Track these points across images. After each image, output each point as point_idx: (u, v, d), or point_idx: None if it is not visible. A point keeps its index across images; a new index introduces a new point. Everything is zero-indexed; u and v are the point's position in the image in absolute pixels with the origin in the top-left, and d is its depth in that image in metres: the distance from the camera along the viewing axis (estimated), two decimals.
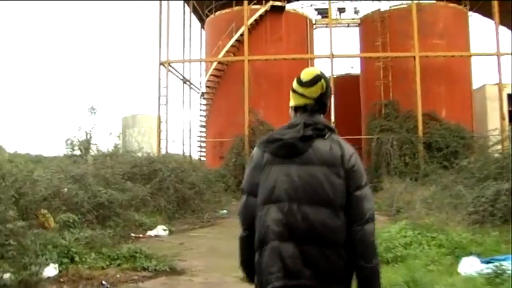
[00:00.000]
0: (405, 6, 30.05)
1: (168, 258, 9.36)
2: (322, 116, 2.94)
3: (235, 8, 31.30)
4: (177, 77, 32.59)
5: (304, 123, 2.79)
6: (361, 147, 28.95)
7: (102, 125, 34.69)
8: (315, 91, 2.89)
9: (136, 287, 7.75)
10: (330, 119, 26.55)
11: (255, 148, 2.96)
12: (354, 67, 37.45)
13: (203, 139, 34.33)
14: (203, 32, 36.54)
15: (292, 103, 2.98)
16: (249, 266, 2.85)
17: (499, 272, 6.64)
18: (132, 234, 12.62)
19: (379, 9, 31.87)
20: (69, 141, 24.88)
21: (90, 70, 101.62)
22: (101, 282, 7.60)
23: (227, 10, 32.09)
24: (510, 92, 30.29)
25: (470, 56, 29.85)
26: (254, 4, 30.52)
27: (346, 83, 34.89)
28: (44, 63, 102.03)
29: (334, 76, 29.37)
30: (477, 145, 24.85)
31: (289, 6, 32.79)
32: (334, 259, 2.62)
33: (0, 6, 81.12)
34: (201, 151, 34.89)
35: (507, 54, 27.00)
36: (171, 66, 30.63)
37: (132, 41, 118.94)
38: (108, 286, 7.48)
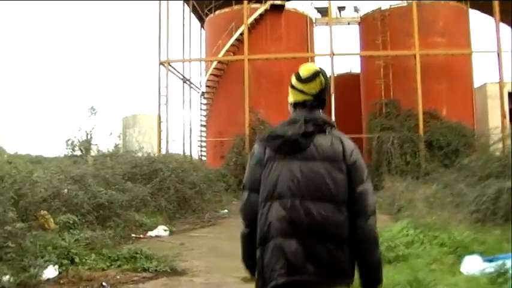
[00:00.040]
0: (405, 4, 30.01)
1: (168, 259, 9.32)
2: (321, 111, 2.95)
3: (235, 7, 31.24)
4: (177, 76, 32.54)
5: (304, 119, 2.79)
6: (362, 146, 28.88)
7: (102, 125, 34.68)
8: (314, 87, 2.90)
9: None
10: (330, 118, 26.42)
11: (256, 144, 2.97)
12: (353, 67, 37.51)
13: (203, 139, 34.29)
14: (203, 31, 36.49)
15: (291, 99, 2.99)
16: (252, 261, 2.85)
17: (502, 271, 6.60)
18: (133, 235, 12.57)
19: (379, 8, 31.78)
20: (69, 142, 24.90)
21: (90, 70, 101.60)
22: (101, 283, 7.55)
23: (227, 9, 32.03)
24: (511, 90, 30.22)
25: (471, 53, 29.76)
26: (254, 3, 30.47)
27: (347, 81, 34.81)
28: (44, 64, 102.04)
29: (335, 75, 29.28)
30: (478, 143, 24.77)
31: (289, 5, 32.73)
32: (338, 254, 2.64)
33: (0, 6, 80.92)
34: (201, 151, 34.85)
35: (508, 51, 26.96)
36: (171, 65, 30.59)
37: (132, 41, 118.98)
38: (108, 287, 7.42)
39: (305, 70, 2.95)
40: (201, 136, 34.62)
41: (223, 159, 28.56)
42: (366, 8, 34.08)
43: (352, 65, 38.21)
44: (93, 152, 24.17)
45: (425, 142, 26.58)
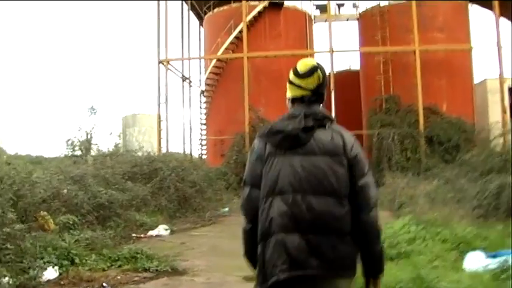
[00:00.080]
0: (404, 0, 29.91)
1: (169, 259, 9.30)
2: (320, 106, 2.97)
3: (234, 5, 31.14)
4: (177, 75, 32.49)
5: (304, 114, 2.80)
6: (362, 143, 28.78)
7: (102, 125, 34.63)
8: (311, 82, 2.92)
9: None
10: (330, 113, 26.36)
11: (256, 140, 2.98)
12: (352, 64, 37.42)
13: (204, 137, 34.23)
14: (202, 29, 36.41)
15: (289, 94, 3.01)
16: (254, 257, 2.85)
17: (505, 268, 6.55)
18: (133, 235, 12.54)
19: (378, 4, 31.69)
20: (69, 142, 24.86)
21: (90, 70, 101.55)
22: (102, 284, 7.51)
23: (225, 7, 31.92)
24: (511, 86, 30.13)
25: (471, 49, 29.65)
26: (252, 0, 30.37)
27: (346, 78, 34.66)
28: (44, 64, 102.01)
29: (334, 72, 29.19)
30: (479, 139, 24.71)
31: (287, 3, 32.60)
32: (341, 247, 2.66)
33: (0, 6, 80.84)
34: (201, 149, 34.81)
35: (508, 46, 26.91)
36: (170, 64, 30.52)
37: (130, 40, 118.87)
38: None
39: (303, 65, 2.96)
40: (201, 135, 34.58)
41: (223, 158, 28.48)
42: (364, 4, 34.05)
43: (351, 61, 38.22)
44: (94, 152, 24.12)
45: (426, 138, 26.46)
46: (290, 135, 2.77)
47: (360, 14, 34.01)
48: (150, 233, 13.12)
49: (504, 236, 9.03)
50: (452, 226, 9.78)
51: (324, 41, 50.43)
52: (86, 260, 8.62)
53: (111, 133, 27.72)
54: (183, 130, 33.30)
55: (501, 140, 20.20)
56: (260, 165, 2.87)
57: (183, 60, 33.06)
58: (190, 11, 34.92)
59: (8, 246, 6.99)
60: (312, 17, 34.27)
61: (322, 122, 2.84)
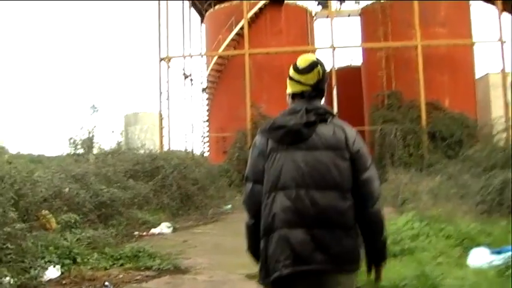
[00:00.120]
0: None
1: (171, 257, 9.22)
2: (320, 101, 2.97)
3: (235, 2, 31.10)
4: (178, 72, 32.49)
5: (306, 108, 2.80)
6: (365, 139, 28.69)
7: (104, 124, 34.59)
8: (311, 78, 2.92)
9: (140, 287, 7.60)
10: (331, 108, 26.30)
11: (258, 135, 2.98)
12: (354, 60, 37.36)
13: (205, 134, 34.21)
14: (203, 26, 36.35)
15: (289, 90, 3.02)
16: (257, 251, 2.86)
17: (510, 264, 6.49)
18: (136, 233, 12.49)
19: None
20: (71, 140, 24.79)
21: (91, 69, 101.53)
22: (104, 283, 7.45)
23: (226, 4, 31.89)
24: None
25: (473, 44, 29.56)
26: None
27: (348, 74, 34.57)
28: (45, 63, 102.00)
29: (336, 68, 29.11)
30: (481, 134, 24.63)
31: None
32: (345, 241, 2.67)
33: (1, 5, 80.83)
34: (203, 146, 34.79)
35: (510, 41, 26.85)
36: (171, 62, 30.49)
37: (132, 38, 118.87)
38: (111, 287, 7.33)
39: (302, 61, 2.97)
40: (203, 132, 34.58)
41: (225, 155, 28.49)
42: (366, 0, 33.97)
43: (353, 57, 38.11)
44: (96, 150, 24.05)
45: (428, 133, 26.43)
46: (292, 131, 2.78)
47: (361, 9, 33.91)
48: (153, 231, 13.08)
49: (508, 231, 8.97)
50: (456, 222, 9.72)
51: (326, 37, 50.29)
52: (88, 259, 8.55)
53: (113, 131, 27.57)
54: (185, 128, 33.32)
55: (504, 135, 20.13)
56: (262, 160, 2.87)
57: (184, 58, 33.05)
58: (192, 8, 34.88)
59: (9, 245, 6.94)
60: (313, 13, 34.21)
61: (323, 116, 2.84)
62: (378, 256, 2.90)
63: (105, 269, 8.40)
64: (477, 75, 31.09)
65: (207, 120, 34.02)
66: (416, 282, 6.04)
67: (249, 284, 7.22)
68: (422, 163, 24.33)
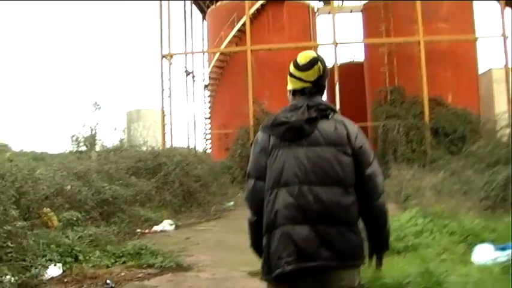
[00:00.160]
0: None
1: (174, 254, 9.19)
2: (321, 97, 3.00)
3: None
4: (180, 69, 32.45)
5: (307, 105, 2.81)
6: (368, 135, 28.65)
7: (106, 121, 34.57)
8: (312, 74, 2.94)
9: (142, 285, 7.56)
10: (335, 107, 26.27)
11: (259, 132, 3.00)
12: (356, 56, 37.27)
13: (208, 131, 34.17)
14: (205, 23, 36.28)
15: (289, 87, 3.04)
16: (260, 247, 2.87)
17: None
18: (138, 230, 12.46)
19: None
20: (74, 138, 24.76)
21: (93, 66, 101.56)
22: (106, 281, 7.42)
23: (228, 0, 31.79)
24: None
25: (476, 39, 29.45)
26: None
27: (351, 70, 34.48)
28: (48, 60, 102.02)
29: (338, 64, 29.02)
30: (484, 129, 24.55)
31: None
32: (350, 236, 2.68)
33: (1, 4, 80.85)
34: (206, 143, 34.77)
35: None
36: (173, 58, 30.45)
37: (134, 35, 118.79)
38: (113, 285, 7.29)
39: (303, 58, 2.98)
40: (205, 129, 34.54)
41: (228, 152, 28.47)
42: None
43: (355, 53, 38.03)
44: (98, 148, 24.03)
45: (431, 129, 26.36)
46: (294, 127, 2.78)
47: (363, 5, 33.81)
48: (155, 228, 13.05)
49: None
50: (459, 218, 9.66)
51: (328, 33, 50.25)
52: (90, 257, 8.51)
53: (115, 128, 27.52)
54: (187, 124, 33.29)
55: (507, 131, 20.03)
56: (264, 157, 2.87)
57: (186, 55, 33.03)
58: (193, 5, 34.82)
59: (9, 244, 6.90)
60: (315, 9, 34.10)
61: (325, 112, 2.85)
62: (381, 246, 2.97)
63: (107, 266, 8.36)
64: (480, 71, 30.94)
65: (209, 117, 33.98)
66: (420, 279, 5.98)
67: (251, 281, 7.20)
68: (425, 159, 24.26)
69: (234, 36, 30.01)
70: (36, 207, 9.63)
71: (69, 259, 8.16)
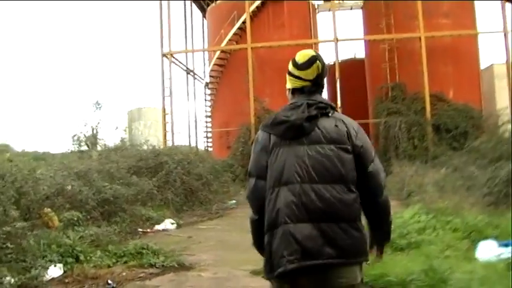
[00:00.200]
0: None
1: (176, 253, 9.16)
2: (321, 95, 3.00)
3: None
4: (181, 68, 32.39)
5: (307, 103, 2.81)
6: (369, 131, 28.59)
7: (108, 120, 34.56)
8: (311, 73, 2.94)
9: (143, 285, 7.51)
10: (336, 104, 26.27)
11: (260, 131, 3.00)
12: (357, 52, 37.21)
13: (209, 129, 34.14)
14: (205, 21, 36.24)
15: (289, 85, 3.05)
16: (263, 245, 2.86)
17: None
18: (140, 229, 12.41)
19: None
20: (75, 137, 24.77)
21: (94, 65, 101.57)
22: (107, 281, 7.38)
23: None
24: None
25: (477, 34, 29.36)
26: None
27: (352, 67, 34.43)
28: (48, 60, 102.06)
29: (339, 61, 28.94)
30: (486, 125, 24.47)
31: None
32: (353, 233, 2.68)
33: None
34: (207, 142, 34.72)
35: None
36: (173, 57, 30.40)
37: (134, 34, 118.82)
38: (114, 285, 7.25)
39: (301, 56, 2.98)
40: (206, 127, 34.48)
41: (229, 150, 28.44)
42: None
43: (356, 50, 37.99)
44: (100, 147, 24.04)
45: (433, 125, 26.29)
46: (294, 125, 2.78)
47: (364, 2, 33.73)
48: (157, 227, 13.01)
49: None
50: (462, 214, 9.61)
51: (329, 30, 50.18)
52: (91, 257, 8.46)
53: (116, 127, 27.52)
54: (188, 123, 33.25)
55: (509, 126, 19.95)
56: (265, 156, 2.87)
57: (186, 53, 33.03)
58: (193, 3, 34.78)
59: (9, 245, 6.85)
60: (316, 6, 34.02)
61: (325, 110, 2.86)
62: (383, 237, 3.03)
63: (108, 266, 8.31)
64: (482, 66, 30.87)
65: (210, 115, 33.94)
66: (424, 276, 5.93)
67: (253, 280, 7.17)
68: (427, 155, 24.21)
69: (235, 34, 29.97)
70: (36, 207, 9.59)
71: (70, 259, 8.13)
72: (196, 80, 34.91)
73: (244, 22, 29.18)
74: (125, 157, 17.68)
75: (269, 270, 2.76)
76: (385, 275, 6.20)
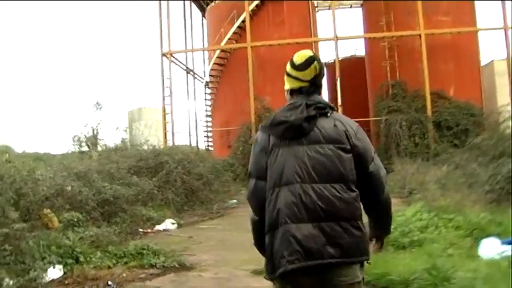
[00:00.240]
0: None
1: (176, 254, 9.12)
2: (319, 95, 2.99)
3: None
4: (180, 67, 32.35)
5: (306, 103, 2.84)
6: (370, 129, 28.55)
7: (108, 120, 34.49)
8: (309, 74, 2.94)
9: (144, 286, 7.46)
10: (337, 102, 26.24)
11: (259, 132, 3.00)
12: (357, 50, 37.16)
13: (209, 129, 34.10)
14: (204, 20, 36.20)
15: (287, 86, 3.05)
16: (263, 246, 2.86)
17: None
18: (140, 230, 12.36)
19: None
20: (76, 138, 24.75)
21: (94, 65, 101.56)
22: (107, 282, 7.33)
23: None
24: None
25: (477, 31, 29.30)
26: None
27: (352, 65, 34.43)
28: (48, 61, 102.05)
29: (339, 59, 28.89)
30: (487, 122, 24.40)
31: None
32: (354, 232, 2.67)
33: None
34: (208, 141, 34.68)
35: None
36: (173, 57, 30.36)
37: (133, 34, 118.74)
38: (115, 286, 7.20)
39: (299, 57, 2.99)
40: (206, 126, 34.44)
41: (230, 149, 28.40)
42: None
43: (356, 48, 37.94)
44: (100, 147, 24.00)
45: (434, 123, 26.27)
46: (293, 125, 2.78)
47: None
48: (157, 227, 12.97)
49: None
50: (465, 212, 9.56)
51: (328, 28, 50.15)
52: (91, 258, 8.40)
53: (117, 128, 27.48)
54: (188, 122, 33.22)
55: (511, 123, 19.88)
56: (264, 156, 2.87)
57: (186, 52, 33.01)
58: (193, 3, 34.75)
59: (7, 247, 6.79)
60: (315, 4, 33.97)
61: (324, 110, 2.86)
62: (383, 231, 3.06)
63: (109, 267, 8.26)
64: (482, 63, 30.82)
65: (210, 115, 33.91)
66: (427, 275, 5.87)
67: (255, 280, 7.13)
68: (428, 153, 24.23)
69: (234, 33, 29.94)
70: (36, 208, 9.51)
71: (70, 260, 8.08)
72: (196, 80, 34.89)
73: (243, 21, 29.14)
74: (125, 157, 17.63)
75: (270, 271, 2.75)
76: (387, 273, 6.16)
